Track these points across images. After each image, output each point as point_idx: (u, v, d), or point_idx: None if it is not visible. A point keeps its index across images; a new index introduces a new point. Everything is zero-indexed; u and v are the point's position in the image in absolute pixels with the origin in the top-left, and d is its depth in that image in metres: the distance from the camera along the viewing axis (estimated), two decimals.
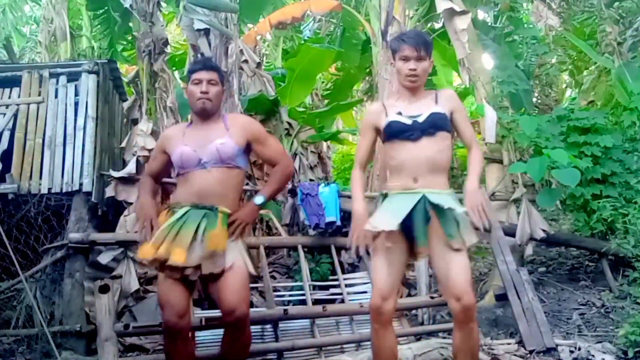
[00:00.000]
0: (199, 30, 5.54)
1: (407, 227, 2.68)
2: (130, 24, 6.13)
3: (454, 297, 2.56)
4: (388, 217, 2.65)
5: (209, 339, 3.81)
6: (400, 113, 2.78)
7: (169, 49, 5.72)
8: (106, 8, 7.58)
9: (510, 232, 5.00)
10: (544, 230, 5.03)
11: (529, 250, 5.02)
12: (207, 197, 2.82)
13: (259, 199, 2.93)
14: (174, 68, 8.29)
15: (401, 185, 2.74)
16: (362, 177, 2.97)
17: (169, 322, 2.69)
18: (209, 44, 5.59)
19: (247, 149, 3.00)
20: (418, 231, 2.66)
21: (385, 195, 2.82)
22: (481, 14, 8.09)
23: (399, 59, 2.79)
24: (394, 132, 2.77)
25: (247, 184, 5.33)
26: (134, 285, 4.63)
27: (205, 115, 2.95)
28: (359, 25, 9.28)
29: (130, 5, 4.93)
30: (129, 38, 8.57)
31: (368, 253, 4.99)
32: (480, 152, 2.87)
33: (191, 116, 3.09)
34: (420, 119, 2.73)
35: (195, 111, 2.98)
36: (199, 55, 5.58)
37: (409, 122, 2.74)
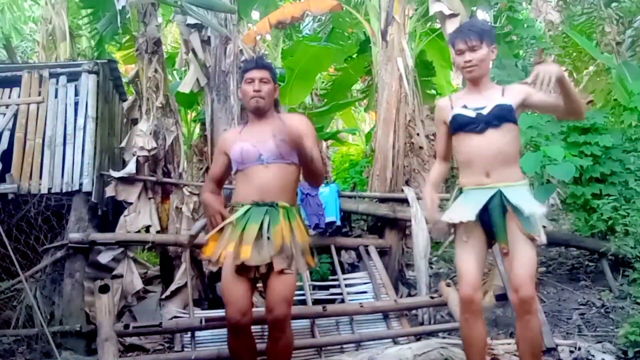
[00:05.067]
0: (191, 25, 5.53)
1: (484, 222, 2.72)
2: (119, 25, 6.12)
3: (513, 289, 2.61)
4: (464, 210, 2.69)
5: (209, 339, 3.81)
6: (465, 106, 2.79)
7: (162, 49, 5.71)
8: (94, 9, 7.56)
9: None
10: (543, 226, 5.00)
11: None
12: (267, 193, 2.85)
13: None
14: (173, 67, 8.28)
15: (474, 181, 2.75)
16: (440, 170, 3.01)
17: (232, 320, 2.74)
18: (202, 40, 5.57)
19: None
20: (497, 227, 2.70)
21: (460, 191, 2.84)
22: (481, 14, 8.10)
23: (456, 54, 2.81)
24: (459, 125, 2.78)
25: None
26: (137, 284, 4.64)
27: (260, 113, 3.00)
28: (349, 26, 9.31)
29: (123, 7, 4.93)
30: (124, 39, 8.58)
31: (367, 252, 5.03)
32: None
33: (249, 116, 3.13)
34: (485, 111, 2.73)
35: (250, 110, 3.04)
36: (190, 51, 5.58)
37: (473, 114, 2.74)
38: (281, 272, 2.73)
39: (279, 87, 3.21)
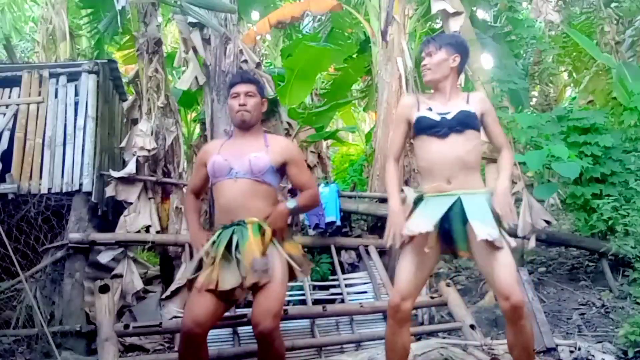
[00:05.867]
0: (191, 24, 5.53)
1: (444, 230, 2.71)
2: (119, 25, 6.13)
3: (503, 297, 2.59)
4: (424, 220, 2.66)
5: (209, 339, 3.76)
6: (430, 109, 2.82)
7: (162, 49, 5.71)
8: (94, 9, 7.56)
9: (510, 232, 4.96)
10: (547, 222, 5.00)
11: (531, 242, 4.98)
12: (234, 211, 2.85)
13: (290, 203, 2.95)
14: (173, 67, 8.28)
15: (435, 188, 2.75)
16: (396, 171, 2.97)
17: (185, 327, 2.72)
18: (202, 39, 5.57)
19: (281, 170, 3.02)
20: (457, 234, 2.70)
21: (420, 198, 2.82)
22: (481, 13, 8.09)
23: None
24: (422, 128, 2.80)
25: None
26: (138, 284, 4.64)
27: (245, 127, 3.01)
28: (349, 26, 9.30)
29: (124, 7, 4.93)
30: (124, 39, 8.58)
31: (367, 252, 5.03)
32: (511, 154, 2.88)
33: (234, 129, 3.14)
34: (449, 116, 2.76)
35: (235, 124, 3.05)
36: (190, 50, 5.58)
37: (437, 118, 2.77)
38: (264, 284, 2.70)
39: (267, 100, 3.20)
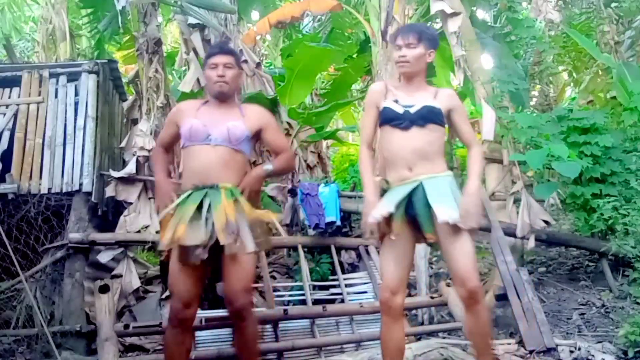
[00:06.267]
0: (192, 25, 5.53)
1: (411, 216, 2.73)
2: (120, 25, 6.13)
3: (459, 282, 2.63)
4: (386, 205, 2.71)
5: (209, 338, 3.81)
6: (396, 101, 2.84)
7: (162, 49, 5.71)
8: (94, 9, 7.57)
9: (510, 232, 4.99)
10: (546, 222, 5.01)
11: (531, 242, 4.99)
12: (208, 175, 2.84)
13: (267, 166, 3.01)
14: (173, 67, 8.29)
15: (398, 177, 2.79)
16: (370, 159, 2.99)
17: (174, 310, 2.74)
18: (203, 40, 5.58)
19: (255, 136, 3.05)
20: (422, 218, 2.71)
21: (385, 191, 2.87)
22: (481, 13, 8.09)
23: (394, 49, 2.89)
24: (386, 119, 2.84)
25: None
26: (135, 283, 4.64)
27: (223, 98, 3.01)
28: (349, 26, 9.30)
29: (124, 7, 4.93)
30: (124, 39, 8.58)
31: (368, 252, 5.03)
32: (480, 151, 2.90)
33: (208, 97, 3.14)
34: (412, 110, 2.79)
35: (212, 95, 3.04)
36: (190, 50, 5.58)
37: (401, 110, 2.80)
38: (234, 257, 2.70)
39: (242, 73, 3.22)
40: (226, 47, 3.17)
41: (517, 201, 5.27)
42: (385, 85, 2.95)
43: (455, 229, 2.62)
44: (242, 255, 2.73)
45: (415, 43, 2.82)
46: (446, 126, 2.92)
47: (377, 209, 2.71)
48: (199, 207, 2.76)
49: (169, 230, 2.72)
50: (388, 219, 2.69)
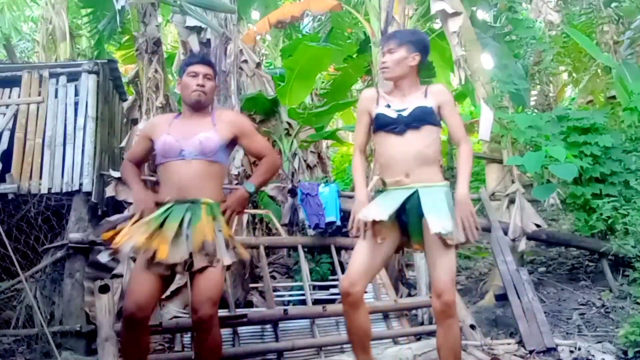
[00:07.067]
0: (190, 27, 5.53)
1: (402, 222, 2.76)
2: (119, 25, 6.14)
3: (436, 294, 2.65)
4: (379, 209, 2.71)
5: None
6: (388, 106, 2.85)
7: (162, 49, 5.71)
8: (94, 9, 7.57)
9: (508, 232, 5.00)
10: (537, 225, 5.02)
11: (522, 245, 4.99)
12: (187, 190, 2.83)
13: (250, 187, 2.96)
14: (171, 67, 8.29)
15: (395, 182, 2.79)
16: (362, 163, 3.00)
17: (127, 311, 2.69)
18: (200, 42, 5.58)
19: (231, 144, 3.03)
20: (412, 227, 2.74)
21: (380, 192, 2.88)
22: (481, 13, 8.09)
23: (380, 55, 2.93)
24: (380, 125, 2.84)
25: (237, 183, 5.32)
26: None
27: (198, 107, 2.99)
28: (349, 26, 9.30)
29: (123, 7, 4.93)
30: (124, 39, 8.59)
31: None
32: (469, 148, 2.86)
33: (182, 108, 3.11)
34: (405, 113, 2.79)
35: (189, 103, 3.00)
36: (188, 52, 5.58)
37: (394, 115, 2.80)
38: (204, 269, 2.68)
39: (218, 88, 3.19)
40: (207, 58, 3.15)
41: (512, 202, 5.26)
42: (376, 91, 2.97)
43: (444, 241, 2.63)
44: (211, 268, 2.71)
45: (395, 48, 2.85)
46: (442, 126, 2.91)
47: (369, 209, 2.72)
48: (181, 221, 2.75)
49: (148, 240, 2.68)
50: (377, 222, 2.70)
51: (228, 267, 2.84)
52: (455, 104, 2.95)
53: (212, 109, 3.11)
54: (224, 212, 2.86)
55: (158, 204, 2.86)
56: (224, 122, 3.00)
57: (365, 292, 4.56)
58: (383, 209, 2.69)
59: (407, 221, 2.75)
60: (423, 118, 2.77)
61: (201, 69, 2.97)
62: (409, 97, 2.85)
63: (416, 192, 2.72)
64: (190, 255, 2.70)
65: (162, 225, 2.74)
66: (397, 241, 2.83)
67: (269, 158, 3.06)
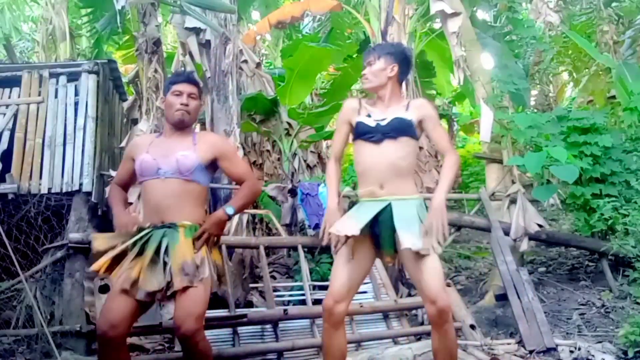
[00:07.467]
0: (189, 28, 5.53)
1: (375, 234, 2.77)
2: (118, 25, 6.14)
3: (429, 301, 2.62)
4: (352, 223, 2.72)
5: (209, 339, 3.76)
6: (369, 115, 2.88)
7: (162, 49, 5.72)
8: (94, 9, 7.57)
9: (509, 232, 5.00)
10: (539, 225, 5.02)
11: (523, 245, 5.00)
12: (164, 211, 2.81)
13: (229, 209, 2.90)
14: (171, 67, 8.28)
15: (369, 192, 2.81)
16: (337, 171, 3.03)
17: (99, 330, 2.66)
18: (199, 43, 5.58)
19: (212, 166, 3.00)
20: (384, 240, 2.75)
21: (354, 203, 2.90)
22: (481, 13, 8.10)
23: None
24: (359, 133, 2.87)
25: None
26: None
27: (181, 126, 2.97)
28: (348, 26, 9.30)
29: (123, 7, 4.93)
30: (124, 39, 8.59)
31: None
32: (455, 159, 2.87)
33: (165, 127, 3.10)
34: (384, 123, 2.82)
35: (171, 122, 2.98)
36: (187, 53, 5.58)
37: (373, 124, 2.83)
38: (185, 288, 2.66)
39: (202, 106, 3.19)
40: (192, 77, 3.11)
41: (513, 202, 5.26)
42: (359, 102, 2.99)
43: (417, 252, 2.64)
44: (198, 286, 2.69)
45: (374, 60, 2.91)
46: (419, 140, 2.95)
47: (342, 223, 2.73)
48: (158, 248, 2.73)
49: (127, 270, 2.69)
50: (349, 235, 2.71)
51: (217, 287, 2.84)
52: (438, 118, 2.98)
53: (194, 132, 3.08)
54: (200, 235, 2.80)
55: (139, 229, 2.84)
56: (205, 143, 2.97)
57: (365, 292, 4.60)
58: (355, 222, 2.71)
59: (380, 234, 2.76)
60: (401, 129, 2.80)
61: (186, 87, 2.95)
62: (390, 108, 2.88)
63: (389, 205, 2.73)
64: (169, 280, 2.67)
65: (141, 252, 2.74)
66: (372, 254, 2.84)
67: (250, 183, 3.02)
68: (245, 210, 5.31)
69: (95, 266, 2.79)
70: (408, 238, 2.61)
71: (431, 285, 2.62)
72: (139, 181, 2.95)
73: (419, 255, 2.63)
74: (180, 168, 2.84)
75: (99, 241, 2.89)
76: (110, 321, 2.64)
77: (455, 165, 2.84)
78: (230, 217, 2.95)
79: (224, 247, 4.34)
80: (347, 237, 2.71)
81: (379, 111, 2.88)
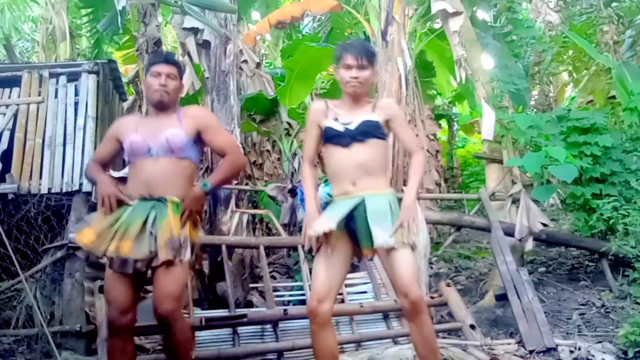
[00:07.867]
0: (187, 28, 5.53)
1: (351, 230, 2.79)
2: (119, 25, 6.14)
3: (402, 294, 2.67)
4: (327, 220, 2.74)
5: (209, 339, 3.81)
6: (336, 119, 2.87)
7: (162, 49, 5.71)
8: (94, 9, 7.58)
9: (510, 232, 5.00)
10: (544, 224, 5.02)
11: (529, 245, 5.00)
12: (155, 187, 2.83)
13: (205, 185, 2.90)
14: None
15: (342, 191, 2.83)
16: (312, 174, 3.03)
17: (111, 318, 2.74)
18: (197, 43, 5.58)
19: (200, 140, 3.01)
20: (361, 234, 2.76)
21: (327, 204, 2.92)
22: (481, 13, 8.09)
23: (342, 67, 2.87)
24: (328, 137, 2.87)
25: (246, 184, 5.33)
26: None
27: (162, 107, 2.98)
28: (349, 26, 9.31)
29: (124, 7, 4.93)
30: (124, 39, 8.59)
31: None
32: (421, 158, 2.90)
33: (149, 108, 3.12)
34: (351, 126, 2.82)
35: (151, 103, 3.02)
36: (186, 53, 5.59)
37: (341, 128, 2.83)
38: (166, 265, 2.69)
39: (183, 86, 3.21)
40: (171, 57, 3.12)
41: (515, 202, 5.27)
42: (325, 104, 2.98)
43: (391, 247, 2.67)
44: (174, 265, 2.71)
45: (367, 65, 2.84)
46: (388, 139, 2.96)
47: (318, 222, 2.75)
48: (145, 219, 2.75)
49: (114, 241, 2.70)
50: (328, 233, 2.73)
51: (192, 268, 2.88)
52: (404, 117, 2.98)
53: (179, 108, 3.08)
54: (183, 212, 2.83)
55: (120, 203, 2.83)
56: (189, 117, 2.99)
57: (365, 292, 4.60)
58: (331, 219, 2.73)
59: (356, 228, 2.77)
60: (368, 131, 2.81)
61: (164, 68, 2.96)
62: (357, 110, 2.88)
63: (363, 200, 2.75)
64: (154, 252, 2.71)
65: (127, 223, 2.75)
66: (350, 250, 2.85)
67: (232, 156, 3.00)
68: (246, 210, 5.31)
69: (80, 238, 2.79)
70: (380, 236, 2.66)
71: (403, 278, 2.65)
72: (129, 161, 2.95)
73: (391, 250, 2.67)
74: (172, 146, 2.86)
75: (85, 235, 2.83)
76: (121, 308, 2.73)
77: (422, 164, 2.91)
78: (207, 193, 2.94)
79: (224, 247, 4.36)
80: (326, 235, 2.73)
81: (346, 113, 2.88)
